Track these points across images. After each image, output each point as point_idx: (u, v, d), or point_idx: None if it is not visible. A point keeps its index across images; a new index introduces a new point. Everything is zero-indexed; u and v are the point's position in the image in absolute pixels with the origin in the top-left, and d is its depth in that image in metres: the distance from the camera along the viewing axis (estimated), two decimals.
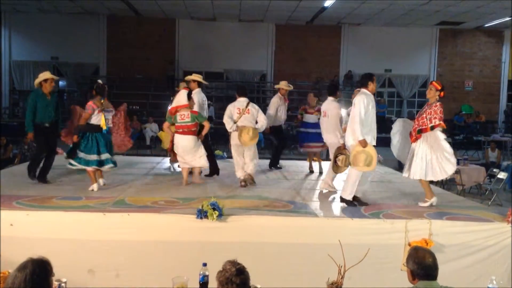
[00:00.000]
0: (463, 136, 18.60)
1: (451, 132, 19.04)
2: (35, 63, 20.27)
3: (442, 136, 5.86)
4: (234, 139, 6.97)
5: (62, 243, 4.79)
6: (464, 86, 21.83)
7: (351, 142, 5.86)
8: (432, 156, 5.82)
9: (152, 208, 5.38)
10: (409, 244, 4.80)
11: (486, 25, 20.22)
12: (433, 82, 6.08)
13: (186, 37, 20.62)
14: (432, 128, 5.81)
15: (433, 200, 5.99)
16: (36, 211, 5.06)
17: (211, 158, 7.51)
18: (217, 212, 4.88)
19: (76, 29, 19.89)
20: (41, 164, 6.84)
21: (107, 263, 4.84)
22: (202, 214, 4.90)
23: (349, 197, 5.89)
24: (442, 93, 5.96)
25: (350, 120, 5.93)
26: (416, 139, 5.93)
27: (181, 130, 6.80)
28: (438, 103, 5.90)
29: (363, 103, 5.71)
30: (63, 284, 3.87)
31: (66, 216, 4.98)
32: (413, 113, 18.88)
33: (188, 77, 7.71)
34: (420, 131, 5.89)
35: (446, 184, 10.80)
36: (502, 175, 10.25)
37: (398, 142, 6.45)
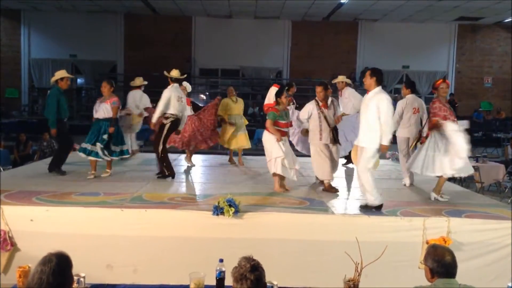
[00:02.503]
0: (482, 133, 18.34)
1: (469, 128, 18.74)
2: (53, 61, 20.53)
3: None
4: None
5: (81, 238, 4.85)
6: (484, 83, 21.51)
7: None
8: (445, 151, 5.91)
9: (169, 204, 5.42)
10: (427, 242, 4.75)
11: (506, 20, 19.89)
12: (447, 81, 6.25)
13: (202, 35, 20.68)
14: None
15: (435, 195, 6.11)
16: (55, 206, 5.13)
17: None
18: (233, 209, 4.89)
19: (94, 27, 20.09)
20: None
21: (125, 258, 4.89)
22: (218, 210, 4.92)
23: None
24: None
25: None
26: (426, 137, 6.07)
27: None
28: (434, 99, 6.12)
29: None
30: (81, 279, 3.92)
31: (84, 212, 5.04)
32: None
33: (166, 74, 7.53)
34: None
35: (465, 181, 10.67)
36: None
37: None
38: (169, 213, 5.09)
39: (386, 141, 5.31)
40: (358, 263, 3.77)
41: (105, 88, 7.08)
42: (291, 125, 6.73)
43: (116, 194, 5.81)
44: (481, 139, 17.42)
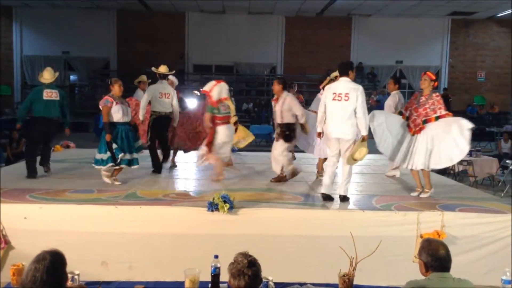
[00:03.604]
0: (476, 127, 18.33)
1: None
2: (46, 57, 20.42)
3: (469, 125, 5.86)
4: (298, 131, 6.81)
5: (75, 235, 4.83)
6: (477, 77, 21.59)
7: (353, 136, 5.61)
8: (435, 145, 5.87)
9: (164, 201, 5.41)
10: (421, 236, 4.77)
11: (499, 15, 19.96)
12: (428, 73, 6.17)
13: (196, 31, 20.62)
14: (437, 118, 5.89)
15: (432, 191, 6.04)
16: (49, 204, 5.10)
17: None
18: (228, 205, 4.89)
19: (86, 24, 20.00)
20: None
21: (120, 255, 4.88)
22: (213, 206, 4.91)
23: (347, 192, 5.71)
24: (435, 83, 6.13)
25: (351, 112, 5.53)
26: (420, 129, 5.93)
27: (224, 121, 6.72)
28: (438, 93, 6.05)
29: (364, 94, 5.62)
30: (76, 277, 3.92)
31: (78, 209, 5.01)
32: None
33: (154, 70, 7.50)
34: (426, 122, 5.92)
35: (459, 175, 10.73)
36: None
37: (382, 134, 6.37)
38: (163, 210, 5.08)
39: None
40: (353, 258, 3.80)
41: (119, 87, 6.31)
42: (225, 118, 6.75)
43: (110, 191, 5.79)
44: (474, 133, 17.44)
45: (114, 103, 6.12)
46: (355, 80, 5.81)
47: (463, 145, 5.84)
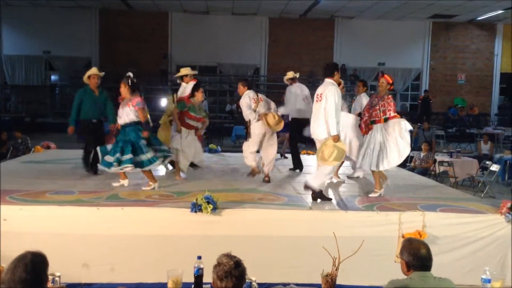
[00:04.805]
0: (456, 128, 18.69)
1: (444, 125, 19.12)
2: (27, 57, 20.14)
3: (408, 127, 5.97)
4: (258, 128, 6.69)
5: (56, 237, 4.76)
6: (457, 79, 21.91)
7: (324, 135, 5.72)
8: (385, 146, 5.96)
9: (146, 202, 5.37)
10: (403, 236, 4.81)
11: (479, 18, 20.28)
12: (385, 76, 6.20)
13: (179, 31, 20.53)
14: (386, 119, 5.95)
15: (382, 191, 6.11)
16: (29, 205, 5.03)
17: None
18: (211, 206, 4.87)
19: (68, 23, 19.75)
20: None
21: (101, 257, 4.83)
22: (196, 207, 4.89)
23: (317, 187, 5.65)
24: (391, 87, 6.18)
25: (322, 113, 5.69)
26: (369, 130, 6.02)
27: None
28: (390, 96, 6.09)
29: (337, 95, 5.63)
30: (56, 278, 3.87)
31: (59, 211, 4.95)
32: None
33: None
34: (374, 122, 6.00)
35: (439, 176, 10.87)
36: (494, 167, 10.34)
37: (345, 138, 6.48)
38: (146, 211, 5.04)
39: None
40: (336, 258, 3.81)
41: (122, 88, 5.97)
42: (202, 120, 7.00)
43: (92, 192, 5.73)
44: (454, 135, 17.78)
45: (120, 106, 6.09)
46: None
47: (402, 146, 5.95)
